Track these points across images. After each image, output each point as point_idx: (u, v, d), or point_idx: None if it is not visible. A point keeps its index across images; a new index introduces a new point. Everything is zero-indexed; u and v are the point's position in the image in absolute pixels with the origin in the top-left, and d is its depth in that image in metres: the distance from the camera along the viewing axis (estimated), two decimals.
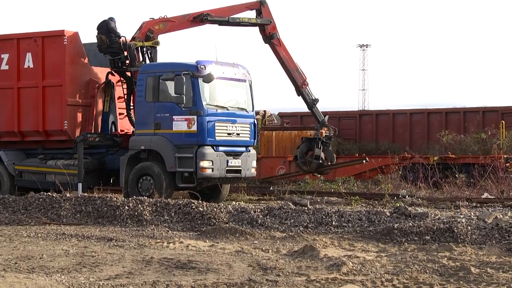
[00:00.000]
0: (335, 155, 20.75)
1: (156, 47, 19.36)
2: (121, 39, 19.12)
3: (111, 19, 19.29)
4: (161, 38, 19.44)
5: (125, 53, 19.02)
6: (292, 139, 28.69)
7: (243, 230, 13.45)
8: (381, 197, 19.15)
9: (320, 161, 20.11)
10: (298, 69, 20.24)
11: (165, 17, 19.56)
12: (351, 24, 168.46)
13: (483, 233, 12.54)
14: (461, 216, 14.23)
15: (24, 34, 19.66)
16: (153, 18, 19.50)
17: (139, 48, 19.14)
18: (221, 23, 19.86)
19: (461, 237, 12.42)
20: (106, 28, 19.11)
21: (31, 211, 15.93)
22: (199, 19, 19.66)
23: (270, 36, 20.00)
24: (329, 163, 20.30)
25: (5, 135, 19.69)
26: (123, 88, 19.43)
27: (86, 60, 19.41)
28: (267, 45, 20.26)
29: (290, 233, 13.43)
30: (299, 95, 20.42)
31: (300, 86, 20.24)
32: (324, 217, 14.24)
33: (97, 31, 19.27)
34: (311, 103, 20.38)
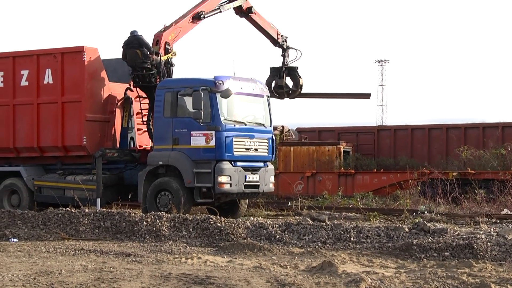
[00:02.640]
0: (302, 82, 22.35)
1: (173, 58, 19.56)
2: (153, 54, 19.17)
3: (136, 32, 19.31)
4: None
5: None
6: (310, 155, 28.67)
7: (261, 245, 13.41)
8: (399, 213, 19.06)
9: (286, 89, 22.10)
10: (271, 25, 22.12)
11: (173, 25, 19.76)
12: (369, 40, 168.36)
13: (503, 249, 12.43)
14: (481, 232, 14.12)
15: (44, 50, 19.78)
16: (164, 29, 19.59)
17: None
18: (214, 14, 20.71)
19: (481, 253, 12.32)
20: (138, 43, 19.06)
21: (50, 227, 15.97)
22: (196, 17, 20.28)
23: (248, 10, 21.42)
24: (296, 89, 22.31)
25: (24, 150, 19.79)
26: (140, 104, 19.49)
27: (105, 76, 19.49)
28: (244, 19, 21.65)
29: (308, 249, 13.38)
30: (275, 45, 22.33)
31: (276, 37, 22.08)
32: (342, 232, 14.18)
33: (125, 46, 19.09)
34: (285, 47, 22.30)
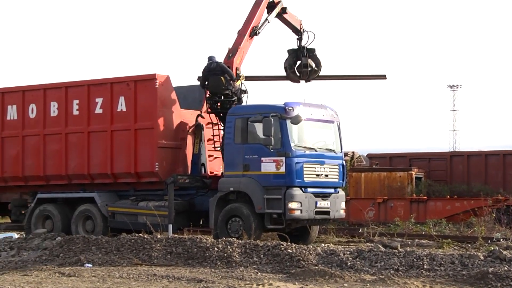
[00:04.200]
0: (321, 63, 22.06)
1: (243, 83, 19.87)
2: (234, 81, 19.38)
3: (214, 58, 19.45)
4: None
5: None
6: (381, 181, 28.40)
7: (332, 272, 13.30)
8: (474, 240, 18.67)
9: (309, 69, 21.71)
10: (295, 17, 22.10)
11: (238, 47, 20.01)
12: (441, 65, 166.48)
13: None
14: None
15: (117, 78, 20.13)
16: (232, 54, 19.75)
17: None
18: (264, 26, 20.90)
19: None
20: (221, 70, 19.30)
21: (123, 252, 16.14)
22: (253, 34, 20.54)
23: (282, 11, 21.40)
24: (318, 69, 21.87)
25: (98, 177, 20.12)
26: (213, 130, 19.63)
27: (176, 103, 19.73)
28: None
29: (380, 276, 13.21)
30: (296, 33, 22.17)
31: (299, 28, 22.04)
32: (415, 260, 13.96)
33: (207, 72, 19.25)
34: (302, 31, 22.18)
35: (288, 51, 22.15)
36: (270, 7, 21.31)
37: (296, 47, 22.11)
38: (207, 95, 19.62)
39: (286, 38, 22.35)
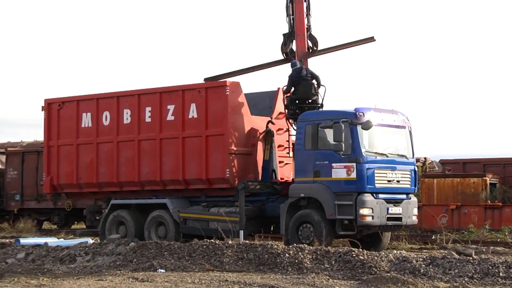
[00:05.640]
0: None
1: None
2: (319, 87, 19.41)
3: (298, 63, 19.45)
4: None
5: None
6: (454, 187, 27.94)
7: (405, 279, 13.15)
8: None
9: (310, 50, 20.83)
10: None
11: (304, 50, 20.02)
12: None
13: None
14: None
15: (188, 85, 20.33)
16: (303, 59, 19.71)
17: None
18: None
19: None
20: (311, 75, 19.37)
21: (195, 258, 16.28)
22: (309, 31, 20.44)
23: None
24: (316, 48, 20.94)
25: (170, 183, 20.34)
26: (289, 136, 19.60)
27: (247, 110, 19.82)
28: None
29: (454, 284, 13.00)
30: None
31: None
32: (490, 267, 13.70)
33: (296, 78, 19.20)
34: None
35: (283, 34, 21.35)
36: None
37: (290, 30, 21.34)
38: (288, 101, 19.39)
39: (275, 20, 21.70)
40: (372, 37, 21.90)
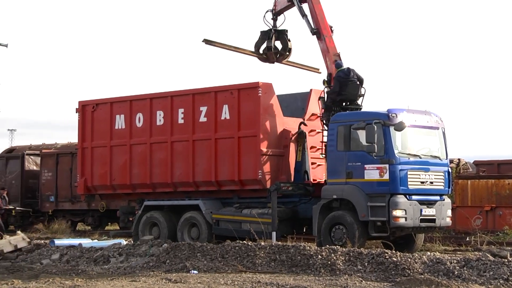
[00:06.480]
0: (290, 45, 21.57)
1: None
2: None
3: (343, 64, 19.36)
4: None
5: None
6: (488, 188, 27.65)
7: (439, 281, 13.06)
8: None
9: (275, 51, 21.31)
10: None
11: (335, 50, 19.73)
12: None
13: None
14: None
15: (221, 87, 20.37)
16: (338, 59, 19.60)
17: None
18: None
19: None
20: (357, 77, 19.26)
21: (228, 259, 16.31)
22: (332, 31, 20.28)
23: None
24: (284, 52, 21.44)
25: (203, 184, 20.41)
26: (322, 137, 19.54)
27: (279, 111, 19.81)
28: None
29: (489, 286, 12.91)
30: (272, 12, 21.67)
31: None
32: None
33: (343, 78, 19.05)
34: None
35: (260, 32, 21.62)
36: None
37: (268, 28, 21.63)
38: (331, 102, 19.18)
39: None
40: (318, 69, 22.25)
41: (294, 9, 21.13)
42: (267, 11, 21.71)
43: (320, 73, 22.06)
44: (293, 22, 21.81)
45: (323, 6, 20.50)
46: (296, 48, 21.82)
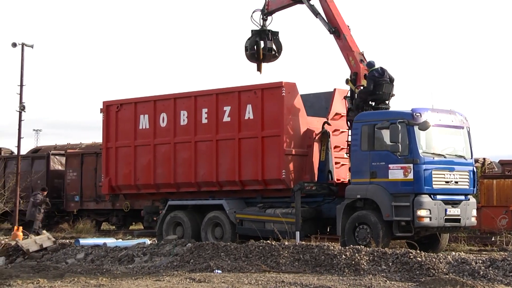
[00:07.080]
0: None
1: None
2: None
3: (374, 63, 19.20)
4: None
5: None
6: None
7: (464, 281, 12.98)
8: None
9: (273, 52, 21.31)
10: None
11: (358, 50, 19.62)
12: None
13: None
14: None
15: (244, 87, 20.36)
16: (363, 59, 19.48)
17: None
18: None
19: None
20: (389, 77, 19.15)
21: (252, 259, 16.32)
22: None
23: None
24: (278, 54, 21.42)
25: (226, 184, 20.43)
26: (348, 136, 19.44)
27: (303, 111, 19.78)
28: None
29: None
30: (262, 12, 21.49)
31: None
32: None
33: (377, 78, 18.83)
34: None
35: (252, 31, 21.41)
36: None
37: (259, 28, 21.42)
38: (360, 101, 19.02)
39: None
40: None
41: (290, 9, 21.07)
42: (254, 11, 21.50)
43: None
44: (279, 22, 21.88)
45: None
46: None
